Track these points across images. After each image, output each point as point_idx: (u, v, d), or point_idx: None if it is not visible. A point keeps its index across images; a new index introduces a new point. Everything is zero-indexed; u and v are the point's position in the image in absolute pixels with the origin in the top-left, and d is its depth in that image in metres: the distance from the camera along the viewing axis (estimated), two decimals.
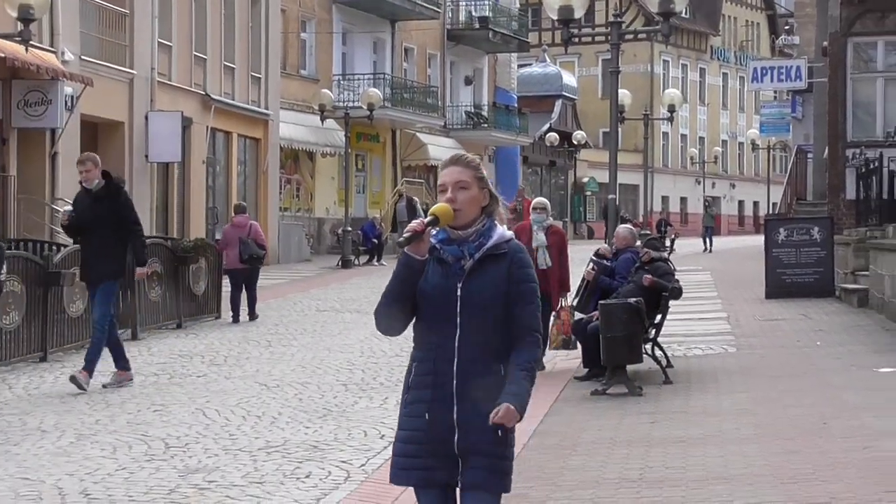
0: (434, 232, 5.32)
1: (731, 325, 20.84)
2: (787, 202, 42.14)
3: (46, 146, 27.94)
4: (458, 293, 5.30)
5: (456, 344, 5.30)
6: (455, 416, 5.30)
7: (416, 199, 44.10)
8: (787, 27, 68.91)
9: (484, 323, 5.29)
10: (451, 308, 5.30)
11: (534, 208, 16.58)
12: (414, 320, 5.41)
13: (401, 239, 5.27)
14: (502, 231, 5.41)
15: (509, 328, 5.34)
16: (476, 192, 5.40)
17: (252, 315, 22.94)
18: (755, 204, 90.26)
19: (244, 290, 23.02)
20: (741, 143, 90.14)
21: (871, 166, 24.38)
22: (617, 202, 19.41)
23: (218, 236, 31.61)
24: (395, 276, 5.34)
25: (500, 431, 5.28)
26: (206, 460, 10.59)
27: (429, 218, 5.28)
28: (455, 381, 5.30)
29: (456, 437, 5.31)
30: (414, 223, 5.26)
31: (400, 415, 5.47)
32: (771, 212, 56.86)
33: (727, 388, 14.11)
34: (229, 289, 23.21)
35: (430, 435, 5.32)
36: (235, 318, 22.74)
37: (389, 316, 5.37)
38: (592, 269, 15.92)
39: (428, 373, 5.34)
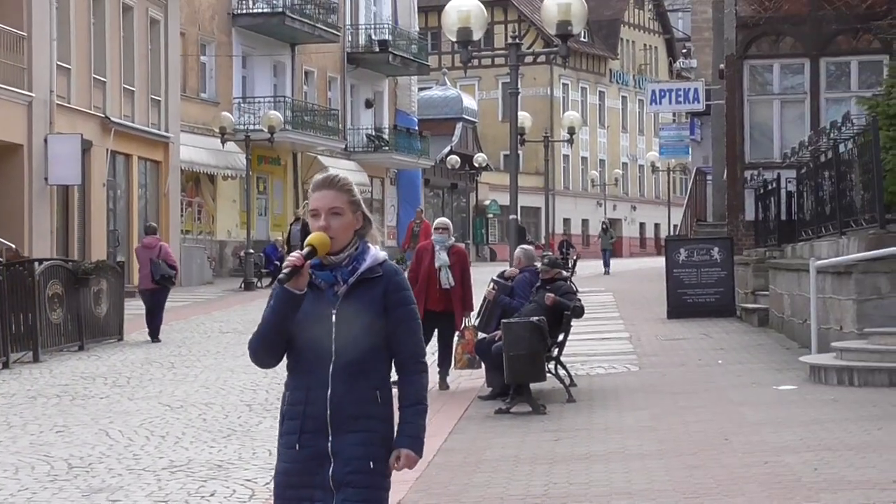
0: (312, 263, 5.07)
1: (633, 344, 21.04)
2: (687, 223, 42.62)
3: None
4: (333, 320, 5.08)
5: (330, 371, 5.07)
6: (329, 446, 5.08)
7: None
8: (684, 51, 69.74)
9: (360, 350, 5.08)
10: (325, 335, 5.07)
11: (436, 228, 16.71)
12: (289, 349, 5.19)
13: (281, 275, 4.99)
14: (376, 253, 5.18)
15: (387, 353, 5.15)
16: (350, 217, 5.16)
17: (155, 337, 23.04)
18: (656, 226, 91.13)
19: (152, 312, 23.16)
20: (641, 166, 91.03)
21: (769, 187, 24.78)
22: (519, 222, 19.52)
23: (120, 258, 31.38)
24: (274, 310, 5.07)
25: (372, 463, 5.08)
26: (110, 480, 10.54)
27: (306, 250, 5.04)
28: (329, 411, 5.07)
29: (331, 469, 5.07)
30: (292, 257, 4.99)
31: (278, 445, 5.23)
32: (672, 233, 57.47)
33: (630, 406, 14.27)
34: (143, 310, 23.56)
35: (304, 466, 5.10)
36: (153, 336, 23.07)
37: (267, 350, 5.13)
38: (493, 288, 16.04)
39: (300, 402, 5.12)
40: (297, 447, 5.10)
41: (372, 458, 5.09)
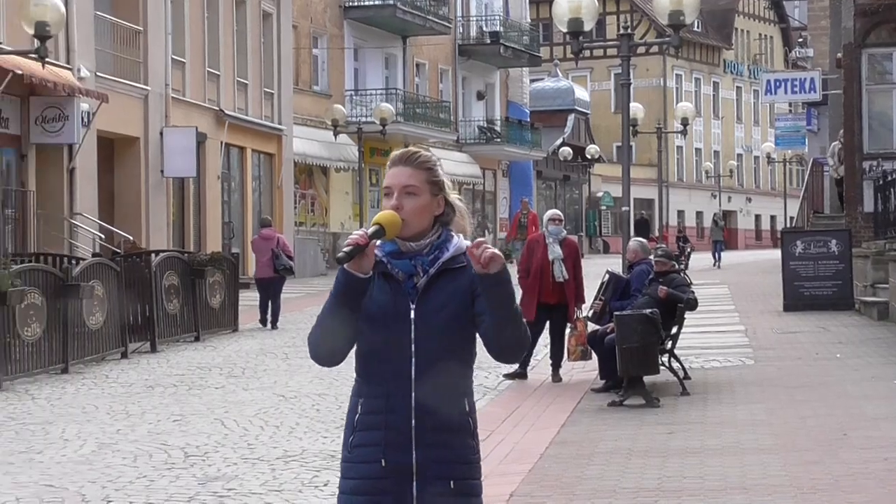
0: (378, 244, 4.46)
1: (748, 337, 20.85)
2: (804, 215, 42.11)
3: (64, 161, 28.10)
4: (412, 315, 4.47)
5: (413, 375, 4.46)
6: (414, 461, 4.48)
7: None
8: (800, 40, 68.97)
9: (445, 349, 4.46)
10: (403, 333, 4.46)
11: (550, 220, 16.66)
12: (355, 348, 4.60)
13: (340, 254, 4.36)
14: (459, 241, 4.54)
15: (472, 352, 4.55)
16: (427, 199, 4.53)
17: (274, 324, 23.89)
18: (772, 218, 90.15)
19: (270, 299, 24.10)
20: (756, 157, 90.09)
21: (889, 178, 24.41)
22: (631, 214, 19.42)
23: (234, 250, 31.73)
24: (334, 297, 4.46)
25: (452, 483, 4.48)
26: (225, 469, 10.68)
27: (372, 228, 4.43)
28: (413, 420, 4.47)
29: (414, 486, 4.48)
30: (355, 234, 4.39)
31: (343, 460, 4.60)
32: (788, 225, 56.79)
33: (745, 399, 14.15)
34: (257, 300, 24.44)
35: (384, 483, 4.49)
36: (263, 322, 23.97)
37: (328, 344, 4.55)
38: (600, 298, 15.90)
39: (379, 411, 4.50)
40: (384, 461, 4.49)
41: (456, 476, 4.50)
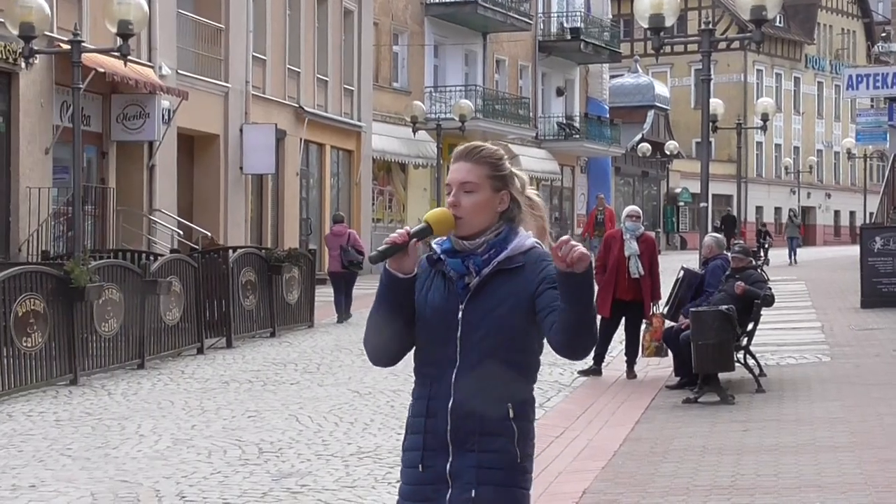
0: (422, 244, 4.31)
1: (825, 334, 20.65)
2: (884, 211, 41.59)
3: (144, 159, 28.33)
4: (459, 317, 4.29)
5: (453, 379, 4.28)
6: (448, 467, 4.30)
7: None
8: (883, 34, 68.04)
9: (490, 353, 4.26)
10: (450, 334, 4.29)
11: (627, 216, 16.58)
12: (415, 348, 4.44)
13: (373, 252, 4.26)
14: (522, 240, 4.32)
15: (529, 359, 4.33)
16: (488, 195, 4.33)
17: (347, 315, 24.53)
18: (851, 214, 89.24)
19: (343, 293, 24.73)
20: (837, 153, 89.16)
21: None
22: (710, 210, 19.29)
23: (311, 246, 31.87)
24: (378, 296, 4.39)
25: (494, 491, 4.23)
26: (299, 465, 10.69)
27: (417, 227, 4.28)
28: (449, 426, 4.29)
29: (448, 495, 4.28)
30: (396, 233, 4.27)
31: (401, 463, 4.49)
32: (868, 221, 56.17)
33: (821, 397, 14.00)
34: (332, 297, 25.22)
35: (424, 490, 4.34)
36: (341, 318, 24.54)
37: (374, 343, 4.45)
38: (680, 276, 15.86)
39: (421, 414, 4.37)
40: (420, 467, 4.35)
41: (496, 483, 4.24)
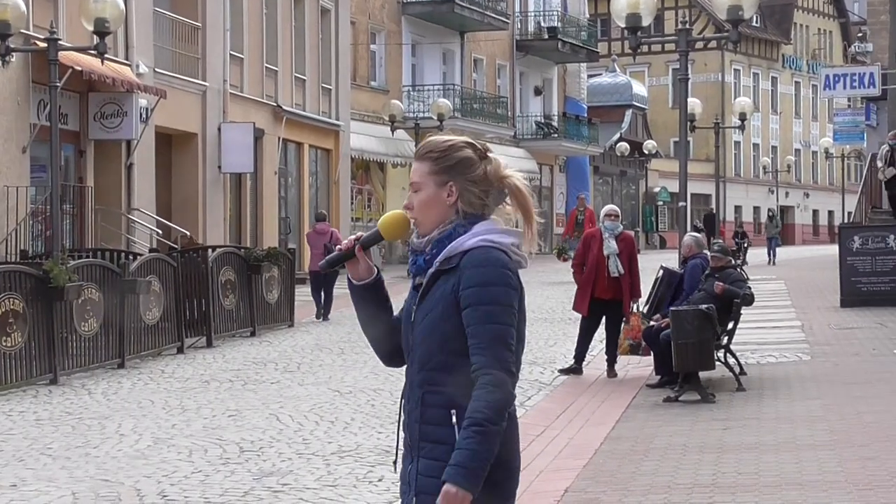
0: (363, 250, 4.28)
1: (804, 333, 20.70)
2: (862, 210, 41.74)
3: (122, 157, 28.26)
4: (413, 318, 4.19)
5: (408, 384, 4.21)
6: (410, 470, 4.18)
7: None
8: (860, 34, 68.23)
9: (427, 357, 4.10)
10: (408, 336, 4.20)
11: (606, 215, 16.62)
12: None
13: (322, 261, 4.26)
14: (465, 238, 4.09)
15: (465, 362, 4.01)
16: (431, 191, 4.16)
17: (326, 316, 24.49)
18: (830, 213, 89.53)
19: (322, 292, 24.83)
20: (815, 152, 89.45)
21: None
22: (688, 209, 19.34)
23: (291, 245, 31.88)
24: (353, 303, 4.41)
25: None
26: (280, 464, 10.70)
27: (368, 233, 4.27)
28: (409, 429, 4.20)
29: (413, 499, 4.15)
30: (347, 240, 4.27)
31: None
32: (846, 220, 56.31)
33: (801, 395, 14.04)
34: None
35: (402, 490, 4.24)
36: (318, 314, 24.69)
37: (371, 344, 4.42)
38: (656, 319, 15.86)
39: (398, 416, 4.31)
40: (395, 468, 4.34)
41: (433, 492, 3.97)
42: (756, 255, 49.45)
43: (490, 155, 4.20)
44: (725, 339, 15.12)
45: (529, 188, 4.19)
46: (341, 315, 24.68)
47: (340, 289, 25.00)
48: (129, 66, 27.98)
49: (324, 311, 24.65)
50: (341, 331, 22.48)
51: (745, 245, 48.04)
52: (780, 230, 53.55)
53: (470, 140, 4.21)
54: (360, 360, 18.08)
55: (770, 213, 54.65)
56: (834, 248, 29.24)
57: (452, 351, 4.06)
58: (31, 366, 15.78)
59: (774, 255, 48.48)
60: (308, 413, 13.42)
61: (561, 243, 40.12)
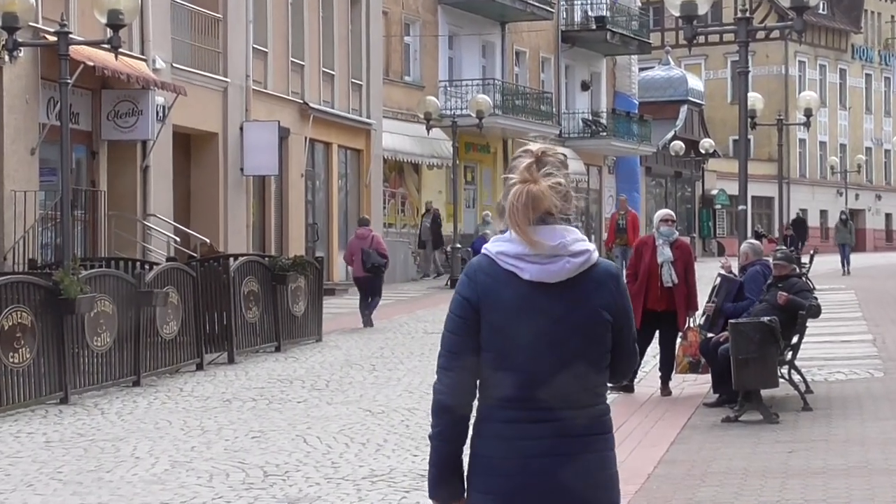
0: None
1: (877, 347, 20.63)
2: None
3: (137, 159, 28.39)
4: None
5: None
6: None
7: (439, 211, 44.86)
8: None
9: None
10: None
11: (662, 220, 16.57)
12: None
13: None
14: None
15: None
16: None
17: (370, 322, 25.73)
18: None
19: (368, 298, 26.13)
20: (887, 151, 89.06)
21: None
22: (748, 214, 19.29)
23: (319, 253, 31.99)
24: None
25: None
26: (308, 489, 10.72)
27: None
28: None
29: None
30: None
31: None
32: None
33: (873, 415, 13.99)
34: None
35: None
36: (365, 323, 25.88)
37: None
38: (719, 278, 15.86)
39: None
40: None
41: None
42: (824, 262, 49.17)
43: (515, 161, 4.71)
44: (790, 354, 15.08)
45: (517, 194, 4.53)
46: (372, 329, 24.72)
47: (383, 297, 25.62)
48: (144, 61, 28.12)
49: (368, 316, 25.86)
50: (373, 346, 22.51)
51: (812, 253, 47.62)
52: (852, 235, 52.22)
53: (528, 147, 4.84)
54: (393, 377, 18.10)
55: (843, 216, 53.86)
56: None
57: None
58: (40, 384, 15.86)
59: (848, 264, 47.40)
60: (337, 434, 13.45)
61: (606, 253, 39.97)
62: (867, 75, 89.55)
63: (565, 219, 4.55)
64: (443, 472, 4.57)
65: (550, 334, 4.46)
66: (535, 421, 4.45)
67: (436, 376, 4.58)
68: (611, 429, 4.59)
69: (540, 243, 4.45)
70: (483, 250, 4.57)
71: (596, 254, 4.54)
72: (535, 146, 4.76)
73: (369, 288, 26.10)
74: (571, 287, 4.48)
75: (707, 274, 21.73)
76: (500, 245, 4.52)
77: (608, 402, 4.60)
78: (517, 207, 4.48)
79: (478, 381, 4.54)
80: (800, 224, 51.52)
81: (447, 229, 44.16)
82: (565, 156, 4.91)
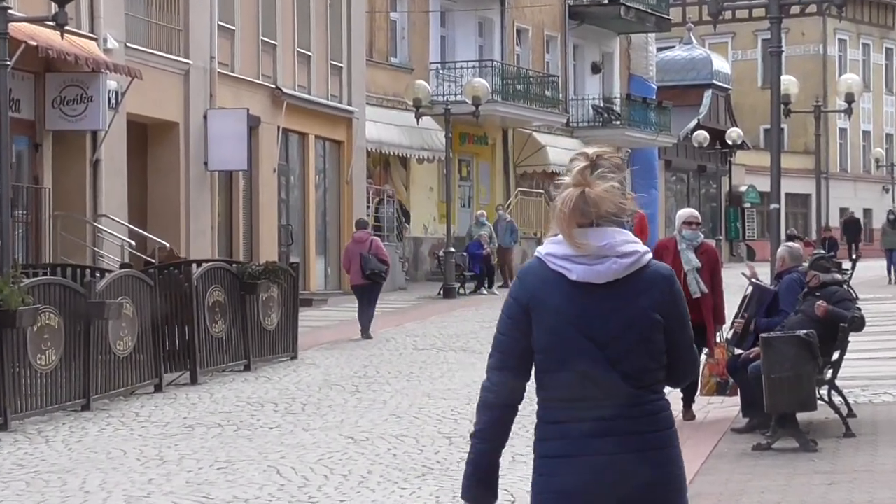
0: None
1: None
2: None
3: (87, 152, 28.38)
4: None
5: None
6: None
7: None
8: None
9: None
10: None
11: (685, 222, 16.47)
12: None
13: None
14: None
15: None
16: None
17: (367, 334, 26.19)
18: None
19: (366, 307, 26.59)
20: None
21: None
22: (782, 214, 19.32)
23: (293, 259, 32.02)
24: None
25: None
26: None
27: None
28: None
29: None
30: None
31: None
32: None
33: None
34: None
35: None
36: (363, 334, 26.42)
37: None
38: (750, 280, 15.87)
39: None
40: None
41: None
42: (868, 268, 49.17)
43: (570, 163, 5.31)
44: (829, 373, 15.08)
45: (566, 198, 5.17)
46: (355, 345, 24.75)
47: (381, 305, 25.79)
48: (94, 40, 28.11)
49: (366, 326, 26.27)
50: (355, 364, 22.52)
51: (855, 258, 47.56)
52: None
53: (583, 150, 5.31)
54: (378, 400, 18.11)
55: (891, 216, 53.48)
56: None
57: None
58: None
59: (895, 271, 46.93)
60: (315, 465, 13.46)
61: None
62: None
63: (618, 221, 5.16)
64: (477, 471, 5.24)
65: (599, 334, 5.12)
66: (592, 420, 5.11)
67: (485, 375, 5.27)
68: (672, 425, 5.25)
69: (585, 245, 5.11)
70: (535, 252, 5.27)
71: (648, 255, 5.18)
72: (590, 149, 5.28)
73: (367, 296, 26.61)
74: (620, 287, 5.14)
75: (734, 282, 21.70)
76: (549, 247, 5.21)
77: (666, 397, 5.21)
78: (564, 211, 5.15)
79: (525, 385, 5.25)
80: (852, 224, 51.37)
81: (438, 230, 44.20)
82: (622, 159, 5.40)
